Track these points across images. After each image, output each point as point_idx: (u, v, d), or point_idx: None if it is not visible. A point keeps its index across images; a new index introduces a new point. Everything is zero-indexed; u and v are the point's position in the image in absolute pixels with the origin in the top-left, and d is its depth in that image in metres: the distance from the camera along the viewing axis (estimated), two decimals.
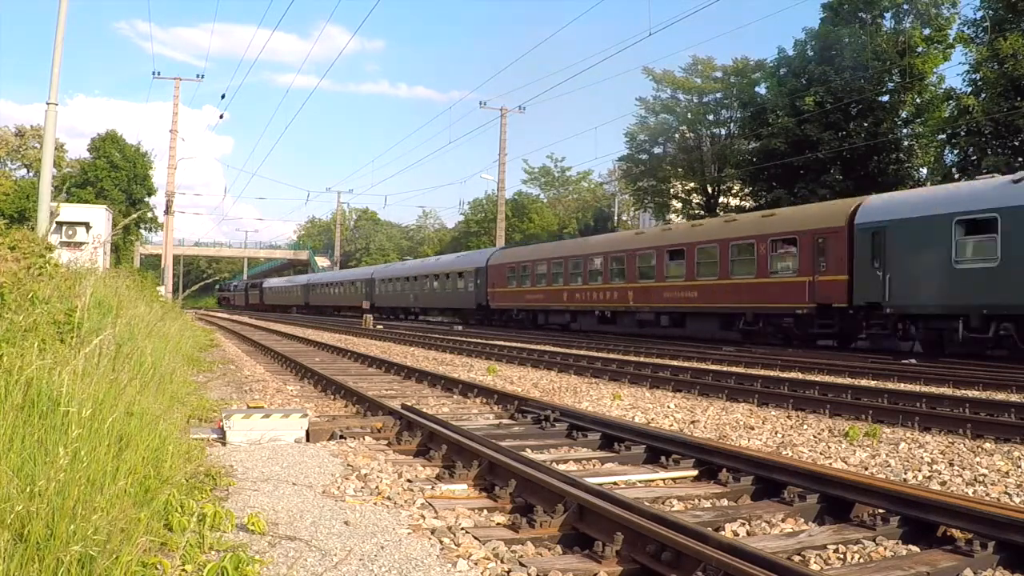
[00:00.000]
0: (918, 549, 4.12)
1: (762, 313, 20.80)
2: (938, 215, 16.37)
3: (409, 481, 5.35)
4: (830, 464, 6.14)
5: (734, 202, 45.03)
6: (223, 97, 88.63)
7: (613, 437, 6.93)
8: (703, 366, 14.52)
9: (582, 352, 18.16)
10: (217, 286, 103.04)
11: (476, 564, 3.66)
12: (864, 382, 12.03)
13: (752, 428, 8.02)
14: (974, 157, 27.80)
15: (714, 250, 22.33)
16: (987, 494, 5.31)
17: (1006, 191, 15.43)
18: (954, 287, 16.04)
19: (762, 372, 13.51)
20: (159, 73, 42.76)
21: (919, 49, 33.21)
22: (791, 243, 19.93)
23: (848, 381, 11.98)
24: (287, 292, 70.69)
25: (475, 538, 4.06)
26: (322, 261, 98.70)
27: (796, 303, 19.39)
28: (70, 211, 30.38)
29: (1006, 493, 5.36)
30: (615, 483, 5.47)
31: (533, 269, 31.71)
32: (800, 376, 12.79)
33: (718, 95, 45.88)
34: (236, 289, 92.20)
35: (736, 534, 4.34)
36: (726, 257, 21.76)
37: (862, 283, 17.72)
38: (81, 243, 26.23)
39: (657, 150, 48.71)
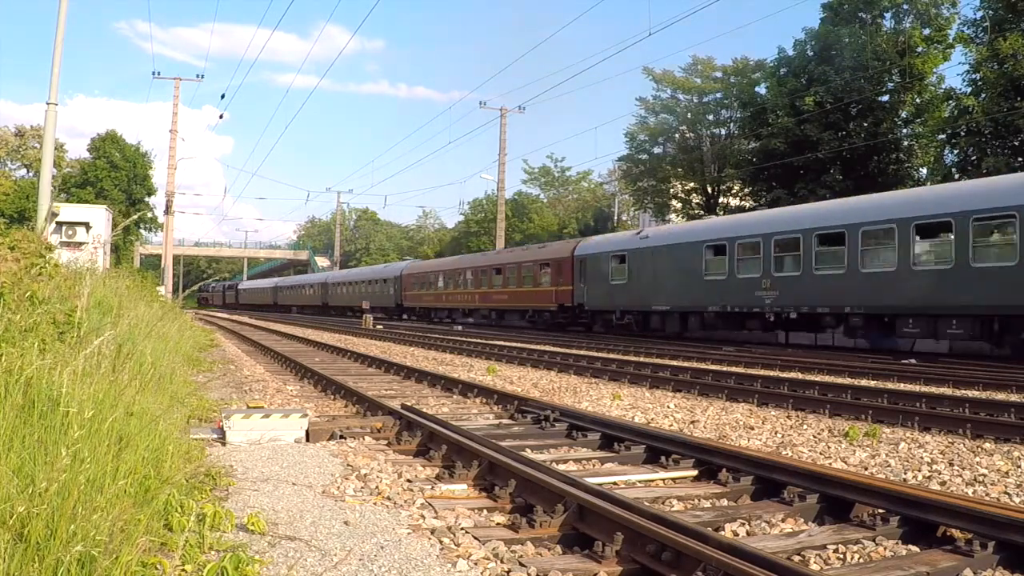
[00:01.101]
0: (918, 549, 4.12)
1: (536, 309, 33.05)
2: (603, 252, 28.24)
3: (409, 481, 5.35)
4: (830, 464, 6.15)
5: (734, 202, 45.04)
6: (223, 97, 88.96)
7: (613, 437, 6.93)
8: (703, 366, 14.52)
9: (582, 352, 18.16)
10: (198, 287, 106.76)
11: (476, 564, 3.66)
12: (864, 382, 12.03)
13: (752, 428, 8.02)
14: (974, 157, 27.80)
15: (514, 268, 34.80)
16: (987, 494, 5.31)
17: (632, 241, 27.06)
18: (611, 295, 27.52)
19: (762, 372, 13.52)
20: (159, 73, 42.79)
21: (919, 49, 33.20)
22: (547, 265, 31.83)
23: (848, 381, 11.98)
24: (258, 293, 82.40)
25: (475, 538, 4.06)
26: (322, 261, 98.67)
27: (548, 304, 31.55)
28: (70, 211, 30.39)
29: (1006, 493, 5.36)
30: (615, 483, 5.47)
31: (429, 279, 43.81)
32: (800, 376, 12.79)
33: (718, 95, 45.89)
34: (214, 290, 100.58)
35: (736, 534, 4.34)
36: (520, 274, 34.13)
37: (578, 291, 29.35)
38: (81, 243, 26.24)
39: (657, 150, 48.72)
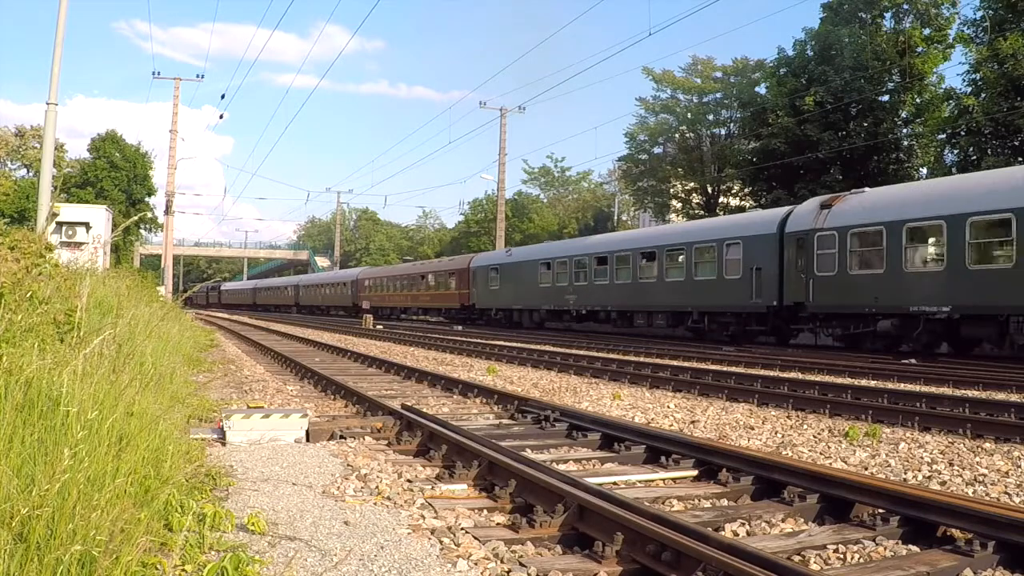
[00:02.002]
0: (918, 549, 4.12)
1: (446, 308, 42.56)
2: (486, 265, 37.49)
3: (409, 481, 5.35)
4: (830, 464, 6.15)
5: (734, 202, 45.06)
6: (223, 97, 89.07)
7: (613, 437, 6.93)
8: (703, 366, 14.52)
9: (582, 352, 18.16)
10: (192, 291, 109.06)
11: (476, 564, 3.66)
12: (864, 382, 12.03)
13: (752, 428, 8.02)
14: (974, 157, 27.80)
15: (430, 275, 44.38)
16: (987, 494, 5.31)
17: (503, 257, 36.70)
18: (491, 297, 36.46)
19: (762, 372, 13.51)
20: (159, 73, 42.82)
21: (919, 49, 33.21)
22: (454, 275, 41.25)
23: (848, 381, 11.98)
24: (239, 294, 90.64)
25: (475, 538, 4.06)
26: (322, 261, 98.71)
27: (454, 303, 40.91)
28: (70, 211, 30.41)
29: (1006, 493, 5.36)
30: (615, 483, 5.47)
31: (377, 283, 53.65)
32: (800, 376, 12.78)
33: (718, 95, 45.92)
34: (199, 292, 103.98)
35: (736, 534, 4.34)
36: (436, 281, 43.49)
37: (472, 294, 38.57)
38: (81, 243, 26.25)
39: (657, 150, 48.76)
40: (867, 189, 19.83)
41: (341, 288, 59.86)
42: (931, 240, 16.92)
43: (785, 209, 21.67)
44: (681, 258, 24.28)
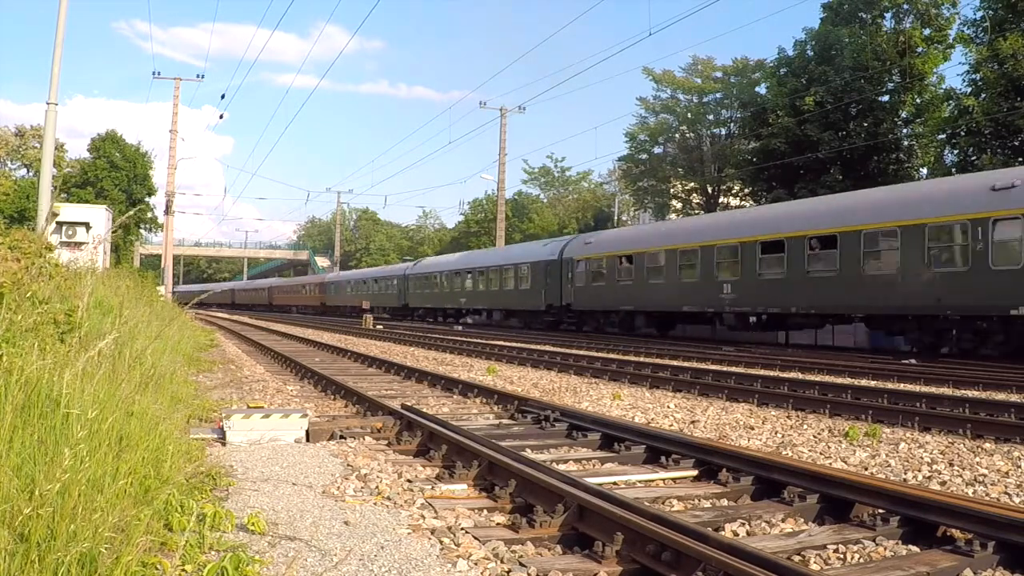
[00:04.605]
0: (918, 549, 4.12)
1: (386, 307, 50.76)
2: (424, 272, 46.10)
3: (409, 481, 5.35)
4: (830, 464, 6.15)
5: (734, 202, 45.05)
6: (223, 97, 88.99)
7: (613, 437, 6.93)
8: (703, 366, 14.52)
9: (582, 352, 18.15)
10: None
11: (476, 564, 3.66)
12: (864, 382, 12.03)
13: (752, 428, 8.02)
14: (974, 157, 27.79)
15: (380, 280, 53.98)
16: (987, 494, 5.32)
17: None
18: (417, 299, 46.26)
19: (762, 372, 13.51)
20: (159, 73, 42.77)
21: (919, 49, 33.19)
22: (392, 279, 50.47)
23: (848, 381, 11.98)
24: (221, 295, 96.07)
25: (475, 538, 4.06)
26: (322, 261, 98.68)
27: (393, 304, 49.59)
28: (70, 211, 30.41)
29: (1006, 493, 5.36)
30: (615, 483, 5.47)
31: (339, 286, 60.80)
32: (800, 376, 12.79)
33: (718, 95, 45.92)
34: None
35: (736, 534, 4.34)
36: (382, 284, 52.79)
37: (407, 296, 47.50)
38: (81, 243, 26.26)
39: (657, 150, 48.75)
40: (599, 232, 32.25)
41: (310, 289, 64.08)
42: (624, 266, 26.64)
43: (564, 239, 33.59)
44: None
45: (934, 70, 33.78)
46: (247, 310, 77.86)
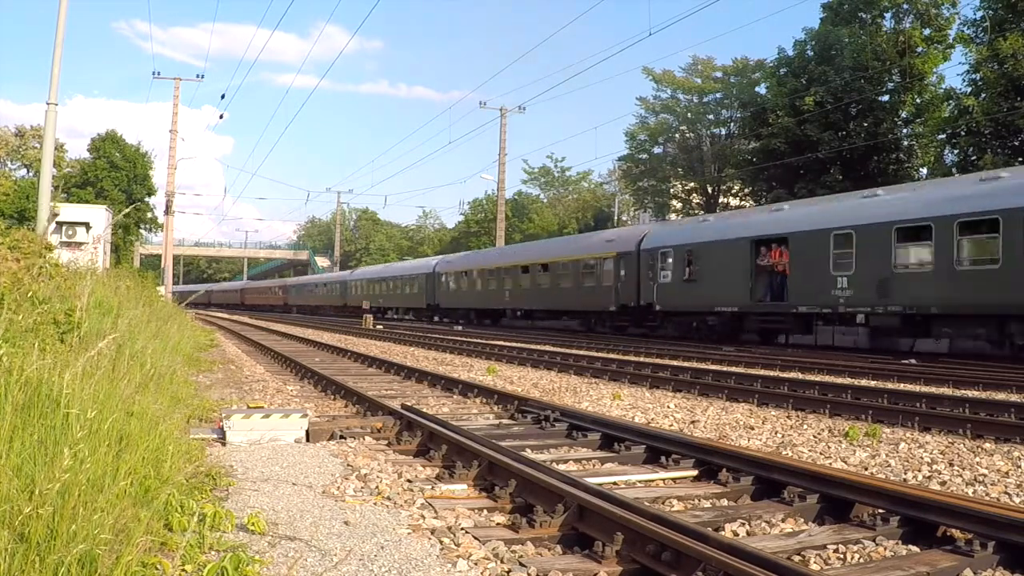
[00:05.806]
0: (918, 549, 4.12)
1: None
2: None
3: (409, 481, 5.35)
4: (830, 464, 6.15)
5: (734, 202, 45.07)
6: (223, 97, 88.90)
7: (613, 437, 6.93)
8: (703, 366, 14.52)
9: (582, 352, 18.15)
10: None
11: (476, 564, 3.66)
12: (864, 382, 12.03)
13: (752, 428, 8.02)
14: (974, 157, 27.80)
15: (335, 285, 59.63)
16: (987, 494, 5.31)
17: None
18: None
19: (762, 372, 13.51)
20: (159, 73, 42.75)
21: (919, 49, 33.21)
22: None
23: (848, 381, 11.98)
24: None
25: (475, 538, 4.06)
26: (322, 261, 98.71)
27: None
28: (70, 211, 30.41)
29: (1006, 493, 5.36)
30: (615, 483, 5.47)
31: (304, 288, 67.23)
32: (800, 376, 12.78)
33: (718, 95, 45.95)
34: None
35: (736, 534, 4.34)
36: (337, 289, 59.06)
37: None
38: (81, 243, 26.28)
39: (657, 150, 48.79)
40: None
41: (280, 292, 68.68)
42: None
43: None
44: None
45: (934, 70, 33.83)
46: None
